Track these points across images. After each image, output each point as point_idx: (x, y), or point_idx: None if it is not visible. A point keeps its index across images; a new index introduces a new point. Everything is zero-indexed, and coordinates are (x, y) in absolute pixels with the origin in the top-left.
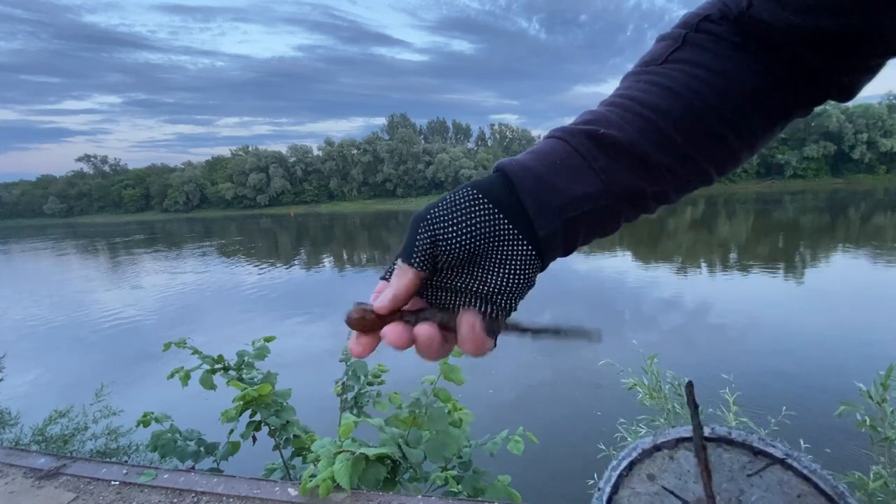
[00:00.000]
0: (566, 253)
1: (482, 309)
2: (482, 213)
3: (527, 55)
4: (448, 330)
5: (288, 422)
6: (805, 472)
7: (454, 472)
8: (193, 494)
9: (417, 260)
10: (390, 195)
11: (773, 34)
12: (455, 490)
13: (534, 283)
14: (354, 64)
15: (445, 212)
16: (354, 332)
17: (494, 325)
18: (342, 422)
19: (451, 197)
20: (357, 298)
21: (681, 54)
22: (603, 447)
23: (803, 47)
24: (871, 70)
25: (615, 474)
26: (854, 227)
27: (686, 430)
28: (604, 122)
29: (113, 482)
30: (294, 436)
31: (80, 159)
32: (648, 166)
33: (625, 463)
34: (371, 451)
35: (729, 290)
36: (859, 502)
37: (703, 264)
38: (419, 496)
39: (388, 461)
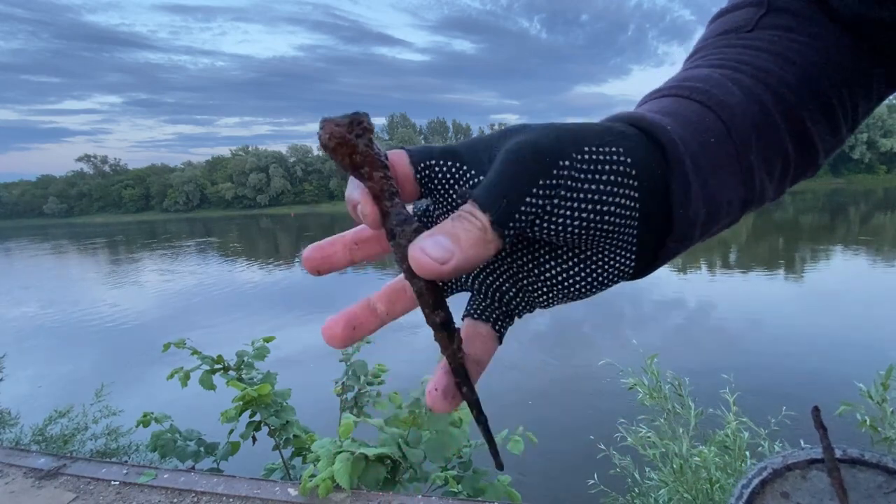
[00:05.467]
0: (666, 260)
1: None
2: (622, 195)
3: (528, 55)
4: None
5: (288, 422)
6: None
7: (454, 472)
8: (193, 494)
9: (516, 227)
10: None
11: (845, 17)
12: (455, 490)
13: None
14: (355, 64)
15: (585, 170)
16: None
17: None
18: (342, 422)
19: (594, 151)
20: (353, 298)
21: (773, 20)
22: (603, 447)
23: (878, 31)
24: None
25: (747, 492)
26: (854, 227)
27: (816, 452)
28: (747, 96)
29: (113, 482)
30: (294, 436)
31: (80, 159)
32: (783, 162)
33: (756, 481)
34: (371, 451)
35: (729, 290)
36: None
37: (703, 264)
38: (419, 496)
39: (388, 461)
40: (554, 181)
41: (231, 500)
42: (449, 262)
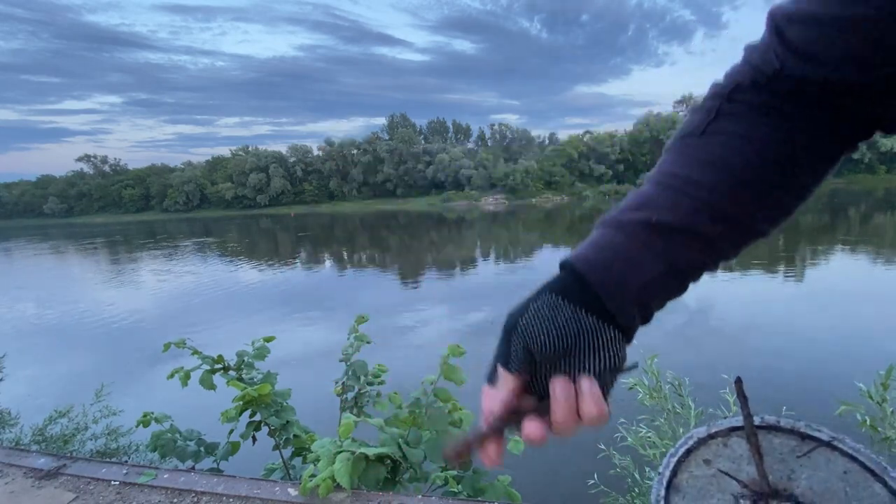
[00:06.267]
0: (645, 323)
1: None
2: (566, 314)
3: (528, 55)
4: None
5: (288, 422)
6: (850, 451)
7: (454, 472)
8: (193, 494)
9: (516, 366)
10: (390, 195)
11: (810, 90)
12: (455, 490)
13: (626, 356)
14: (355, 64)
15: (533, 321)
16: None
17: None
18: (342, 422)
19: (534, 306)
20: (353, 299)
21: (718, 125)
22: (603, 447)
23: (840, 96)
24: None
25: (673, 460)
26: (854, 227)
27: (737, 420)
28: (654, 207)
29: (113, 482)
30: (294, 436)
31: (80, 159)
32: (704, 241)
33: (682, 450)
34: (371, 451)
35: (729, 290)
36: None
37: None
38: (419, 496)
39: (388, 461)
40: (519, 329)
41: (231, 500)
42: (495, 405)
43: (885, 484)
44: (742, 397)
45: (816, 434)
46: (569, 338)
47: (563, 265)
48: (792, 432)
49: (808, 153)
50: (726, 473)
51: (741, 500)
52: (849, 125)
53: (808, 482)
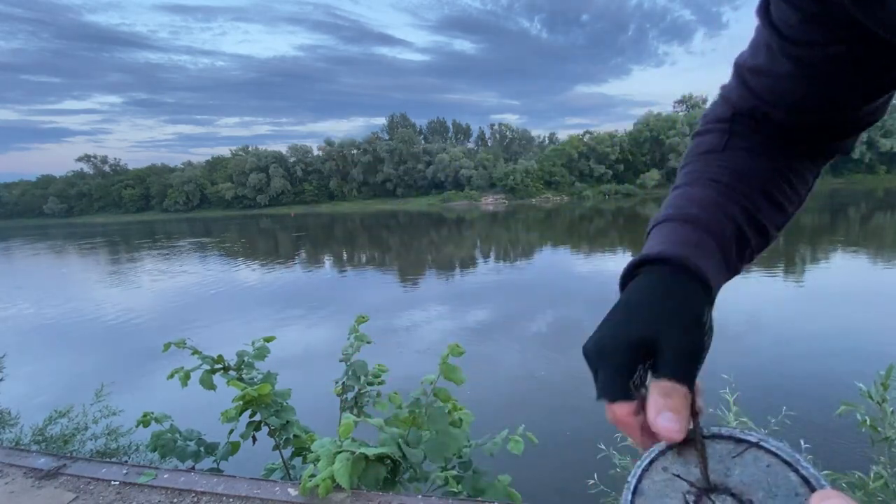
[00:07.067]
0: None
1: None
2: (708, 314)
3: (528, 55)
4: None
5: (288, 422)
6: (772, 449)
7: (454, 472)
8: (193, 494)
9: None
10: (390, 195)
11: (775, 125)
12: (455, 490)
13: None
14: (356, 64)
15: (704, 336)
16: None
17: None
18: (342, 422)
19: (704, 321)
20: (353, 299)
21: (735, 142)
22: (603, 447)
23: (799, 130)
24: (848, 146)
25: (639, 471)
26: (854, 227)
27: (691, 433)
28: (723, 212)
29: (113, 482)
30: (294, 436)
31: (80, 159)
32: (752, 251)
33: (646, 461)
34: (371, 451)
35: (729, 290)
36: (811, 464)
37: None
38: (419, 496)
39: (388, 461)
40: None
41: (231, 500)
42: (677, 421)
43: (797, 472)
44: (694, 415)
45: (747, 437)
46: (710, 329)
47: (685, 266)
48: (730, 438)
49: (803, 167)
50: (678, 476)
51: (687, 496)
52: (813, 149)
53: (740, 477)
